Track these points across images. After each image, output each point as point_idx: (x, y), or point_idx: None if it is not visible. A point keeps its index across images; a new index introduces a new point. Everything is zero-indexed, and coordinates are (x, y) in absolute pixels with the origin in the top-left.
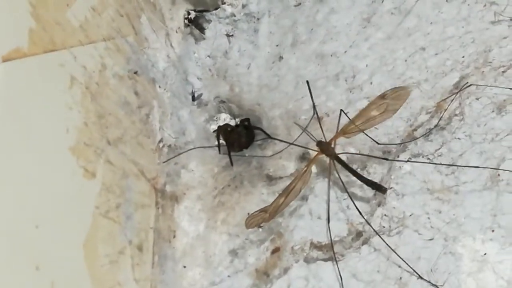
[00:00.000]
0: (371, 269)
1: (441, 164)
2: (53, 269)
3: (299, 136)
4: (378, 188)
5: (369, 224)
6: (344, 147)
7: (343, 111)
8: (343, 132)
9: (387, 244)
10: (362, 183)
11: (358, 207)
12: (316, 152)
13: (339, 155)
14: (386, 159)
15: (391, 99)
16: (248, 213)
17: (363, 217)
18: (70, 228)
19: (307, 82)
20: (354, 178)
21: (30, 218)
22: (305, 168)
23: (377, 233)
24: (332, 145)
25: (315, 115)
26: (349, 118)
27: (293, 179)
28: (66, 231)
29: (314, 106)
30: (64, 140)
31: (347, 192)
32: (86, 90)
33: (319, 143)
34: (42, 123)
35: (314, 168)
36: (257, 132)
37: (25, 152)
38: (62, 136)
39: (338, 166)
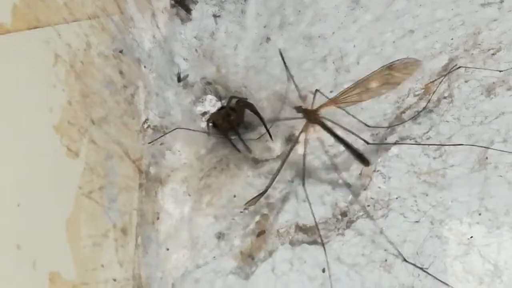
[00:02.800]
0: (355, 252)
1: (428, 144)
2: (35, 248)
3: (281, 110)
4: (362, 160)
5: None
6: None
7: (319, 91)
8: (335, 101)
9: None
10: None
11: (343, 189)
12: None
13: (324, 121)
14: (367, 142)
15: (396, 70)
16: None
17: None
18: (52, 207)
19: (279, 50)
20: (339, 160)
21: (11, 196)
22: (295, 141)
23: (366, 212)
24: (318, 113)
25: (292, 82)
26: (327, 97)
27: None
28: (48, 210)
29: (289, 75)
30: (47, 118)
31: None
32: (70, 68)
33: (301, 109)
34: (26, 100)
35: (301, 150)
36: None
37: (8, 129)
38: (46, 114)
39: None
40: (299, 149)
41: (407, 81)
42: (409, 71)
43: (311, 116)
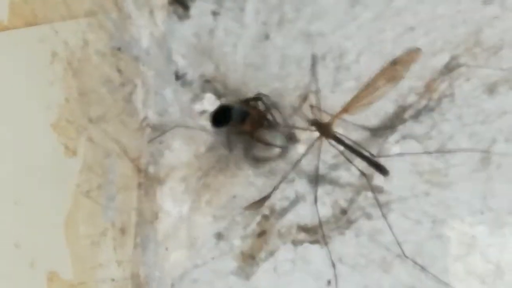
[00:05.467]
0: (356, 252)
1: (432, 153)
2: (33, 247)
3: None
4: (381, 170)
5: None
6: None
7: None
8: (346, 110)
9: (387, 223)
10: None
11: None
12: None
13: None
14: (373, 155)
15: (400, 64)
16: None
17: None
18: (50, 206)
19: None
20: (339, 160)
21: (9, 194)
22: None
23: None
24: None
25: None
26: (317, 98)
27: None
28: (46, 208)
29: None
30: (45, 116)
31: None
32: (68, 66)
33: (316, 123)
34: (23, 98)
35: (302, 149)
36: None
37: (4, 127)
38: (43, 112)
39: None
40: (300, 148)
41: (408, 76)
42: (412, 60)
43: (326, 131)
